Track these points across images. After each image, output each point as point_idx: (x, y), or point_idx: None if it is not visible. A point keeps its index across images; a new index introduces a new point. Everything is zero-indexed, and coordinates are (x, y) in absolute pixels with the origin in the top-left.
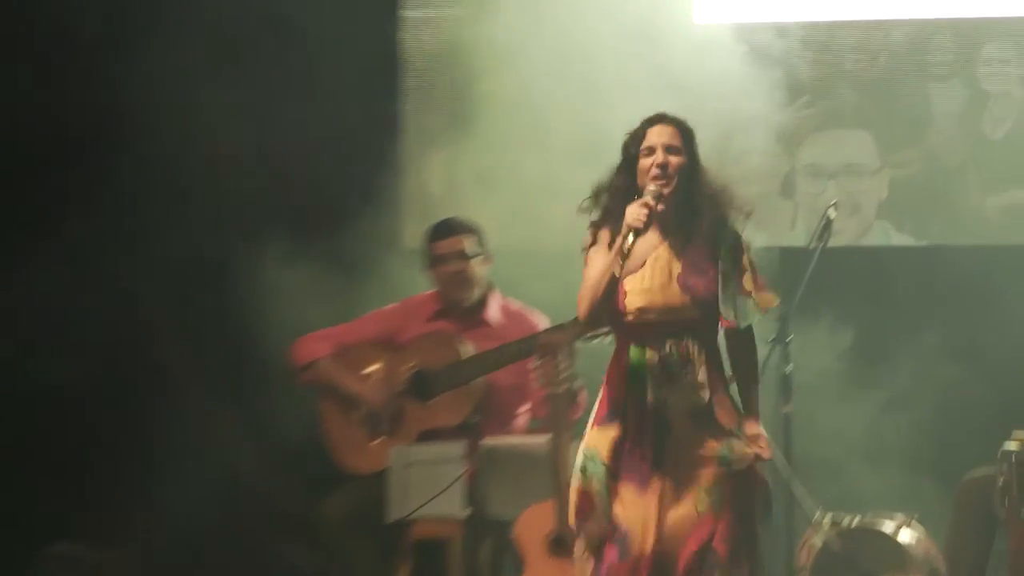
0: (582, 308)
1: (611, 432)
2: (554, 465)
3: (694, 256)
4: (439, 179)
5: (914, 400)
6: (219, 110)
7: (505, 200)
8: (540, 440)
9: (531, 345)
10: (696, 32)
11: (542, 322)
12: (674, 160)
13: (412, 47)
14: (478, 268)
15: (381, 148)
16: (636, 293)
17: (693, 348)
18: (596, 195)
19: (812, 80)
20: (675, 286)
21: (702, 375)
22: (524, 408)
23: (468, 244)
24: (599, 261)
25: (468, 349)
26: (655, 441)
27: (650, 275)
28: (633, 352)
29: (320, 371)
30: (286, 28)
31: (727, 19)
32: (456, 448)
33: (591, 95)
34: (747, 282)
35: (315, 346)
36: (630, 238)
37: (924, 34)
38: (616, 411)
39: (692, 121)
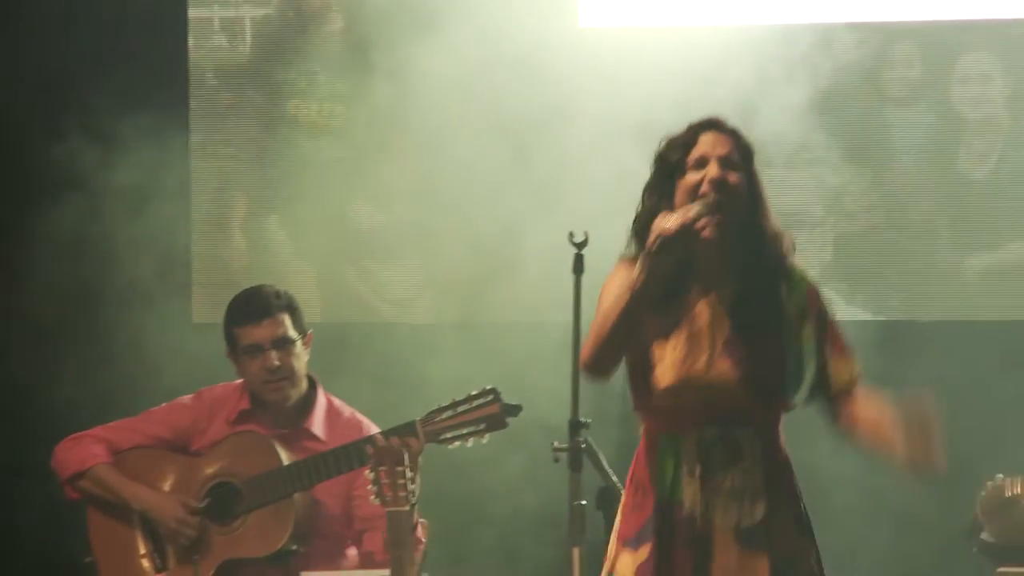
0: (585, 351)
1: (640, 556)
2: None
3: (749, 317)
4: (240, 231)
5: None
6: None
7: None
8: (378, 574)
9: (365, 451)
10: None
11: (374, 429)
12: (733, 178)
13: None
14: (302, 357)
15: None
16: (668, 366)
17: (746, 442)
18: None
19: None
20: (722, 357)
21: (757, 480)
22: (356, 536)
23: (288, 325)
24: (614, 283)
25: (287, 455)
26: (694, 570)
27: (687, 340)
28: (664, 445)
29: (96, 481)
30: None
31: (614, 23)
32: None
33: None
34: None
35: (88, 449)
36: (656, 248)
37: (880, 43)
38: (646, 526)
39: None
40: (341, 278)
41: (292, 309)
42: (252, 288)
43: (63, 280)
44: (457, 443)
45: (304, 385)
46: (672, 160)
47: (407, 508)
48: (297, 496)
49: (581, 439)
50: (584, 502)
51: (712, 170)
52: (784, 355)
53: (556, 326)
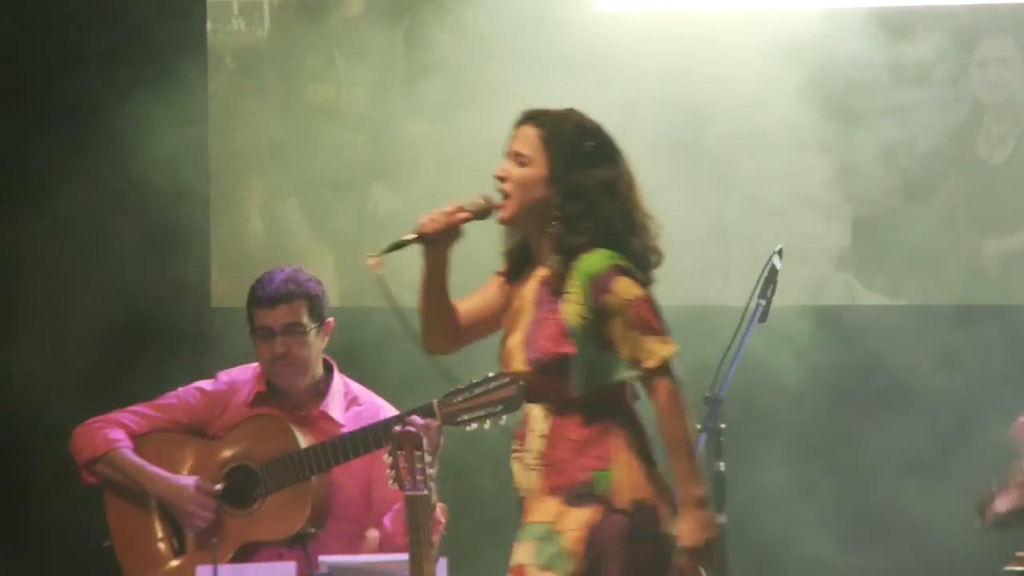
0: None
1: None
2: None
3: (543, 300)
4: (259, 215)
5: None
6: None
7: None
8: (397, 559)
9: (384, 434)
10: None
11: (391, 412)
12: (515, 173)
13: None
14: (315, 345)
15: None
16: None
17: (536, 419)
18: None
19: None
20: (521, 338)
21: (535, 453)
22: (375, 519)
23: (302, 313)
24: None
25: (304, 438)
26: None
27: (510, 321)
28: None
29: (113, 465)
30: None
31: (631, 6)
32: (286, 569)
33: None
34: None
35: (105, 434)
36: (407, 237)
37: (898, 26)
38: None
39: None
40: (359, 262)
41: (311, 297)
42: (276, 270)
43: (82, 266)
44: (474, 425)
45: (318, 370)
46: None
47: (425, 492)
48: (315, 479)
49: None
50: None
51: (499, 166)
52: (564, 340)
53: None
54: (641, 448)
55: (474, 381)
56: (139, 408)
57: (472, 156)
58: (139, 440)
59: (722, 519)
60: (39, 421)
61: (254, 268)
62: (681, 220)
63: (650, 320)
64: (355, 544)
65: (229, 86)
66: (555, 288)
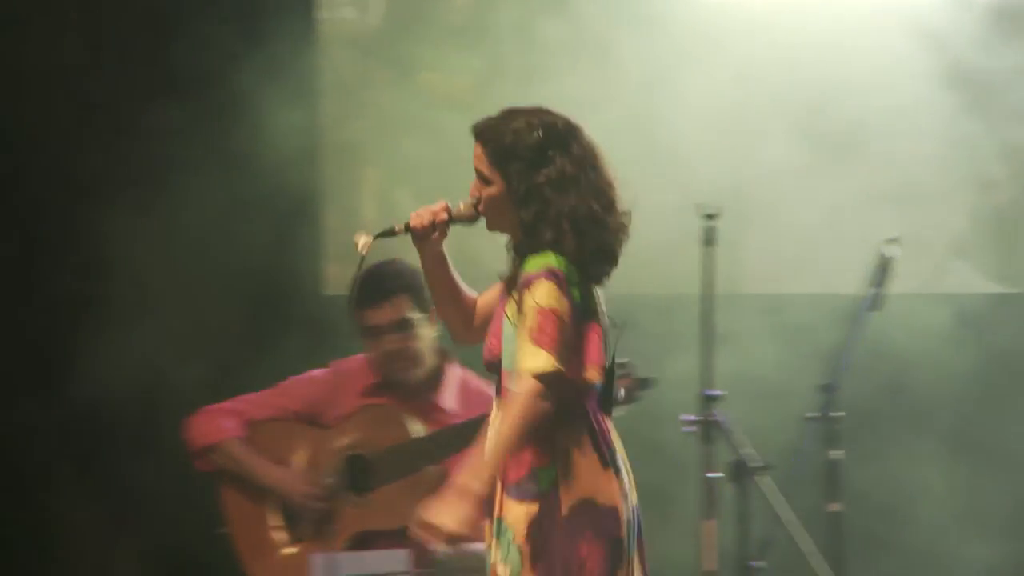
0: None
1: None
2: None
3: (502, 307)
4: (371, 202)
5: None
6: None
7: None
8: None
9: None
10: None
11: None
12: (484, 193)
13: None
14: (425, 335)
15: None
16: None
17: (498, 410)
18: None
19: None
20: (488, 334)
21: (491, 444)
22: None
23: (407, 307)
24: None
25: (418, 428)
26: None
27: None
28: None
29: (225, 455)
30: None
31: None
32: (400, 557)
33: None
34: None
35: (219, 423)
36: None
37: (1019, 9)
38: None
39: None
40: (471, 251)
41: (413, 289)
42: (374, 267)
43: (196, 256)
44: None
45: (432, 360)
46: None
47: None
48: (430, 468)
49: (714, 412)
50: (719, 475)
51: (472, 187)
52: (503, 337)
53: (687, 299)
54: (593, 447)
55: None
56: (253, 397)
57: None
58: (253, 429)
59: (836, 507)
60: (155, 409)
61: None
62: (799, 206)
63: (544, 331)
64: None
65: (341, 74)
66: (509, 288)
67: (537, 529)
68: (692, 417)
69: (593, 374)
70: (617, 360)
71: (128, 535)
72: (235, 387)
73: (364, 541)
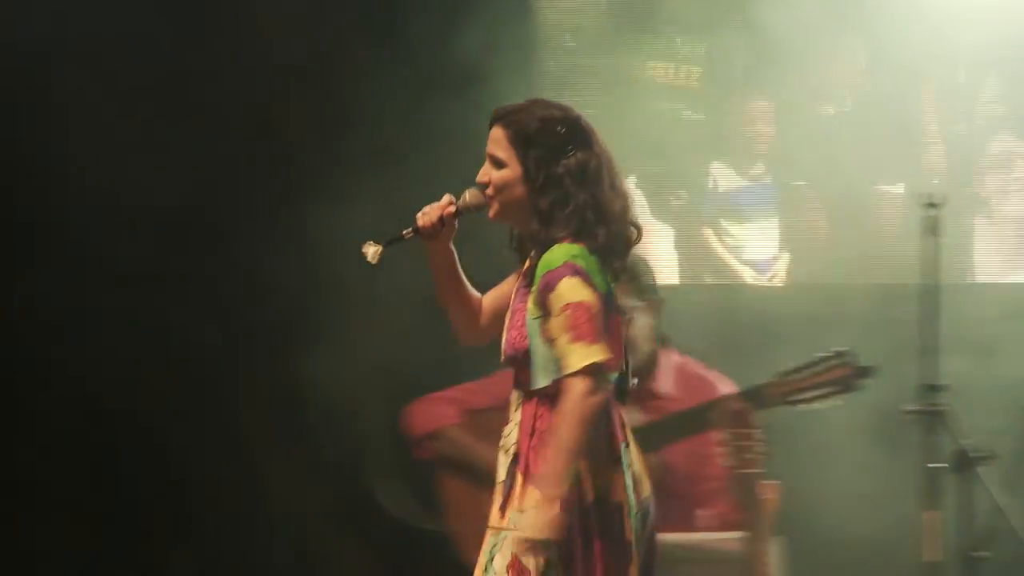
0: None
1: None
2: (750, 570)
3: (517, 296)
4: None
5: None
6: None
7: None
8: (732, 537)
9: (715, 413)
10: None
11: (728, 389)
12: (494, 176)
13: None
14: (639, 324)
15: None
16: None
17: (514, 403)
18: None
19: None
20: (505, 331)
21: (513, 439)
22: (705, 497)
23: (626, 295)
24: None
25: (634, 417)
26: None
27: (505, 316)
28: None
29: (445, 441)
30: None
31: None
32: None
33: None
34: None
35: (438, 410)
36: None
37: None
38: None
39: None
40: (696, 240)
41: (630, 277)
42: None
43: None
44: (807, 405)
45: (646, 347)
46: None
47: (756, 470)
48: (648, 456)
49: (938, 402)
50: (941, 465)
51: (483, 170)
52: (523, 333)
53: (909, 288)
54: (608, 441)
55: (808, 361)
56: (470, 385)
57: (809, 133)
58: (472, 417)
59: None
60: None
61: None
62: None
63: (580, 326)
64: (687, 522)
65: (563, 64)
66: (528, 281)
67: (562, 522)
68: (914, 407)
69: (613, 364)
70: (836, 349)
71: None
72: (453, 377)
73: None
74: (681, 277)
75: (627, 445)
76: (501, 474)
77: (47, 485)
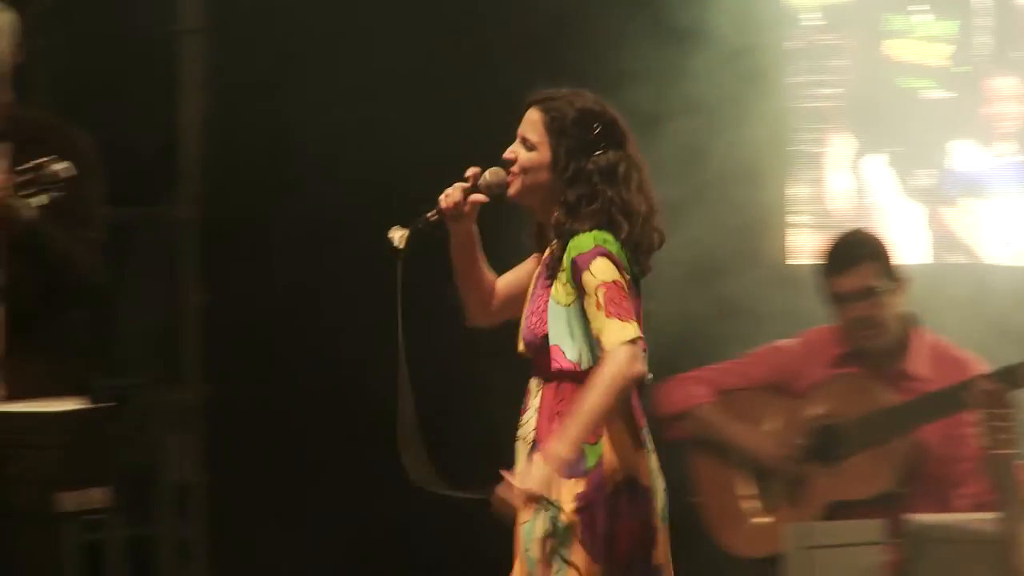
0: None
1: None
2: (1005, 551)
3: (541, 281)
4: (841, 171)
5: None
6: None
7: None
8: (986, 518)
9: (969, 394)
10: None
11: (981, 369)
12: (522, 156)
13: None
14: (890, 305)
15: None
16: None
17: (533, 392)
18: None
19: None
20: (525, 317)
21: (531, 427)
22: (958, 478)
23: (873, 275)
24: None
25: (889, 397)
26: None
27: (525, 303)
28: None
29: (698, 420)
30: None
31: None
32: (874, 527)
33: None
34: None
35: (691, 389)
36: (428, 215)
37: None
38: None
39: None
40: (946, 218)
41: (878, 257)
42: (841, 236)
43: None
44: None
45: (897, 328)
46: None
47: (1011, 451)
48: (903, 437)
49: None
50: None
51: (508, 149)
52: (548, 316)
53: None
54: (631, 425)
55: None
56: (722, 365)
57: None
58: (724, 397)
59: None
60: None
61: (833, 226)
62: None
63: (615, 303)
64: (941, 503)
65: (813, 42)
66: (552, 269)
67: (585, 506)
68: None
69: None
70: None
71: None
72: (701, 359)
73: (836, 511)
74: (932, 256)
75: (648, 430)
76: (520, 463)
77: None
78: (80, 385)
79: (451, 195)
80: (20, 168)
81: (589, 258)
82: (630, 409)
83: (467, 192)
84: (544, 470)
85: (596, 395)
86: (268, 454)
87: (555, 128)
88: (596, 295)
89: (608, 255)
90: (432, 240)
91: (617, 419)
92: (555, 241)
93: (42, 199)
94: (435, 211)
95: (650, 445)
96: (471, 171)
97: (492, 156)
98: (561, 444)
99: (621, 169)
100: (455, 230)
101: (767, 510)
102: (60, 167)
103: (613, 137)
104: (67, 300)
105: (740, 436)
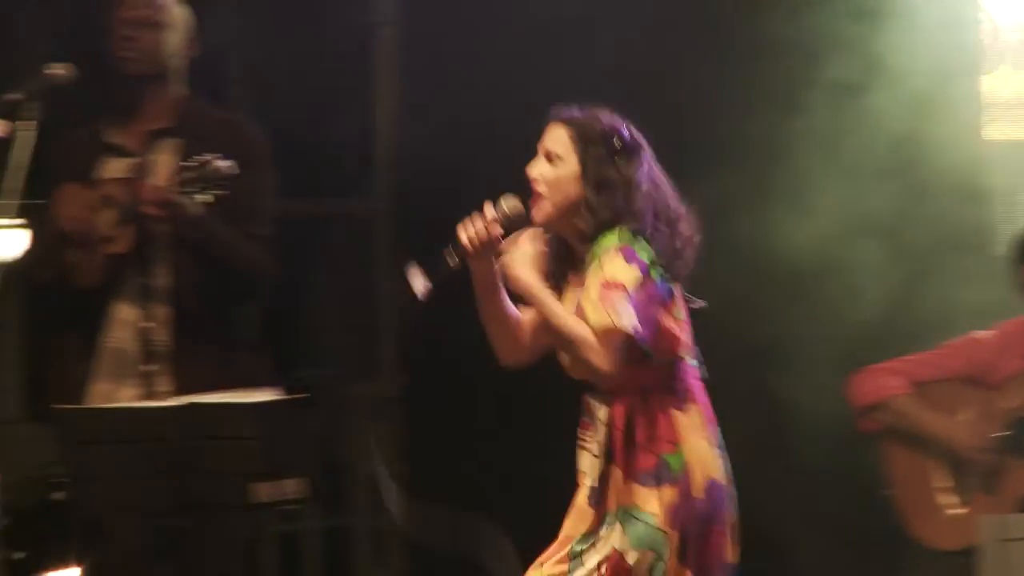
0: None
1: None
2: None
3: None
4: None
5: None
6: None
7: None
8: None
9: None
10: None
11: None
12: (548, 172)
13: None
14: None
15: None
16: None
17: (597, 409)
18: None
19: None
20: None
21: (600, 444)
22: None
23: None
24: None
25: None
26: None
27: None
28: None
29: (893, 412)
30: None
31: None
32: None
33: None
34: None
35: (885, 381)
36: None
37: None
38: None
39: None
40: None
41: None
42: None
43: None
44: None
45: None
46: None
47: None
48: None
49: None
50: None
51: (532, 167)
52: None
53: None
54: (704, 427)
55: None
56: (916, 357)
57: None
58: (919, 388)
59: None
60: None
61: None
62: None
63: (605, 298)
64: None
65: None
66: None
67: (676, 513)
68: None
69: (683, 351)
70: None
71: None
72: (895, 351)
73: None
74: None
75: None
76: (589, 478)
77: None
78: (248, 384)
79: (475, 239)
80: (185, 164)
81: (612, 254)
82: (706, 411)
83: (491, 226)
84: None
85: (564, 319)
86: (464, 445)
87: (582, 139)
88: (591, 288)
89: (631, 255)
90: None
91: (697, 422)
92: (581, 248)
93: (207, 196)
94: (456, 253)
95: (722, 444)
96: (488, 212)
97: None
98: (524, 290)
99: (646, 183)
100: (478, 269)
101: (963, 502)
102: (224, 164)
103: (635, 151)
104: (234, 296)
105: (937, 427)
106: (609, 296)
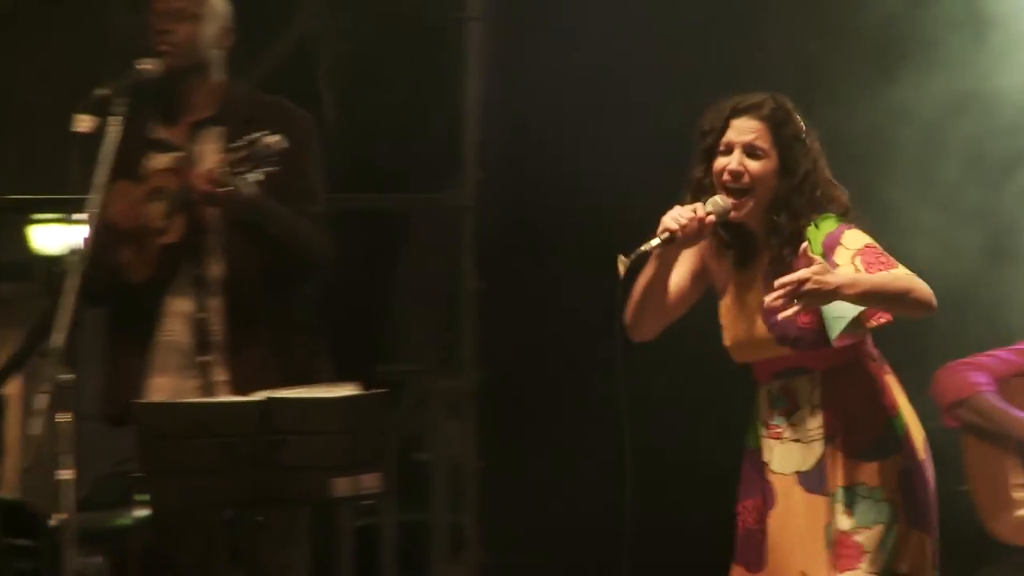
0: (627, 314)
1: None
2: None
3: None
4: None
5: None
6: None
7: None
8: None
9: None
10: None
11: None
12: (754, 168)
13: None
14: None
15: None
16: (724, 329)
17: (803, 391)
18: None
19: None
20: (759, 320)
21: (814, 426)
22: None
23: None
24: (650, 265)
25: None
26: (760, 516)
27: (732, 306)
28: (755, 397)
29: (975, 409)
30: None
31: None
32: None
33: None
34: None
35: (969, 377)
36: (655, 241)
37: None
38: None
39: None
40: None
41: None
42: None
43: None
44: None
45: None
46: (708, 143)
47: None
48: None
49: None
50: None
51: (732, 161)
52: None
53: None
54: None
55: None
56: (1001, 352)
57: None
58: (1004, 384)
59: None
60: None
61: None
62: None
63: (881, 262)
64: None
65: None
66: (781, 266)
67: (906, 477)
68: None
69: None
70: None
71: None
72: (978, 345)
73: None
74: None
75: None
76: (794, 463)
77: None
78: (304, 370)
79: (687, 224)
80: (233, 146)
81: (837, 235)
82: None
83: (706, 221)
84: (838, 281)
85: (895, 281)
86: (542, 440)
87: (779, 132)
88: (854, 264)
89: (852, 228)
90: None
91: (897, 386)
92: (775, 242)
93: (258, 175)
94: (666, 237)
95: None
96: (697, 207)
97: None
98: (850, 283)
99: (821, 156)
100: (670, 252)
101: None
102: (273, 140)
103: (807, 130)
104: (290, 280)
105: (1016, 424)
106: (876, 254)
